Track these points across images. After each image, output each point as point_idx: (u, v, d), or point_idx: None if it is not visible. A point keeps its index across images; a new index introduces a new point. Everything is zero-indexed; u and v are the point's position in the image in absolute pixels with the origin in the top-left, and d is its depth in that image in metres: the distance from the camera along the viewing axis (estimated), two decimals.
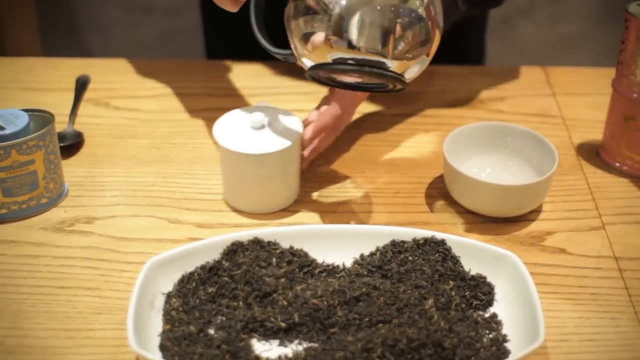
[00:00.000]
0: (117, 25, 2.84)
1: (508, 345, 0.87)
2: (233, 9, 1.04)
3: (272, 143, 1.03)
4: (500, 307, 0.92)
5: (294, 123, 1.07)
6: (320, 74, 0.93)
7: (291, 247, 0.96)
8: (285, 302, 0.89)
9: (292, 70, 1.38)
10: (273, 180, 1.06)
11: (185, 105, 1.31)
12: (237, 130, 1.05)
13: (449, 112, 1.30)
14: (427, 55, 0.91)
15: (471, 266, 0.95)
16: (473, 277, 0.93)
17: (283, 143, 1.03)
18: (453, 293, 0.91)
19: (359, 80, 0.94)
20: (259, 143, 1.03)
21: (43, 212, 1.07)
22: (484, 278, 0.93)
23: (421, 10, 0.88)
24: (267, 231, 0.97)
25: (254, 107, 1.08)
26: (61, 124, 1.23)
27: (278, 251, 0.94)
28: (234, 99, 1.32)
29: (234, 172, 1.06)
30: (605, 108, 1.19)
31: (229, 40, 1.54)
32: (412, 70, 0.91)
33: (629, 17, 1.11)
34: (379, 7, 0.87)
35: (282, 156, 1.04)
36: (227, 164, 1.06)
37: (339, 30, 0.87)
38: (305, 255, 0.95)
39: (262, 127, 1.05)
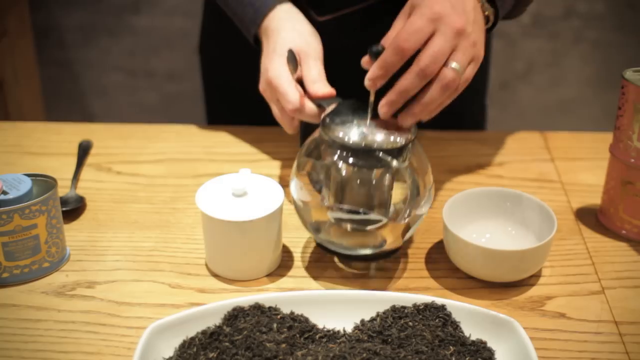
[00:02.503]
0: (119, 89, 2.86)
1: None
2: (290, 131, 1.16)
3: (255, 210, 1.04)
4: None
5: (275, 190, 1.08)
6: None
7: (292, 313, 0.96)
8: None
9: (291, 137, 1.40)
10: (255, 247, 1.06)
11: (187, 171, 1.32)
12: (219, 198, 1.06)
13: (448, 178, 1.31)
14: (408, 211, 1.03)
15: (471, 331, 0.95)
16: (473, 343, 0.93)
17: (265, 210, 1.04)
18: (454, 358, 0.90)
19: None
20: (241, 210, 1.04)
21: (45, 277, 1.07)
22: (485, 343, 0.93)
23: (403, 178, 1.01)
24: (267, 296, 0.97)
25: (237, 175, 1.09)
26: (63, 189, 1.24)
27: (279, 316, 0.95)
28: (234, 164, 1.33)
29: (217, 239, 1.06)
30: (603, 173, 1.20)
31: (230, 104, 1.55)
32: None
33: (625, 83, 1.12)
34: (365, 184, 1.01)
35: (265, 223, 1.05)
36: (209, 232, 1.07)
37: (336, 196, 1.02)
38: (306, 320, 0.96)
39: (244, 194, 1.06)
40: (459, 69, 1.00)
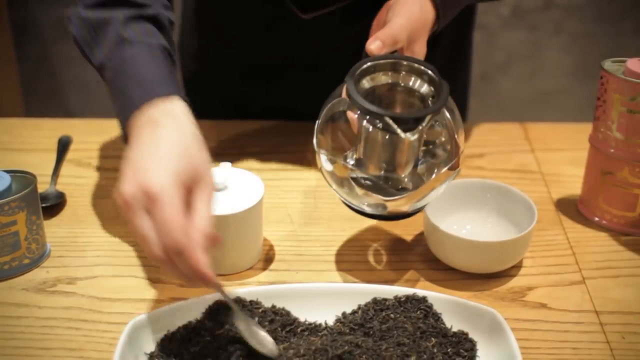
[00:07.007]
0: (98, 84, 2.85)
1: None
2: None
3: (235, 204, 1.04)
4: None
5: (256, 183, 1.08)
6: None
7: (273, 306, 0.96)
8: None
9: (274, 130, 1.39)
10: (235, 241, 1.06)
11: None
12: None
13: None
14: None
15: (453, 323, 0.95)
16: (455, 334, 0.94)
17: (246, 203, 1.04)
18: (435, 350, 0.91)
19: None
20: (221, 204, 1.04)
21: (25, 273, 1.07)
22: (466, 334, 0.94)
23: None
24: (249, 290, 0.97)
25: (217, 169, 1.09)
26: (43, 185, 1.23)
27: (260, 310, 0.95)
28: (215, 158, 1.32)
29: None
30: (583, 163, 1.21)
31: (206, 99, 1.54)
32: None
33: (604, 73, 1.12)
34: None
35: (245, 217, 1.05)
36: None
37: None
38: (288, 314, 0.95)
39: (225, 188, 1.06)
40: None
